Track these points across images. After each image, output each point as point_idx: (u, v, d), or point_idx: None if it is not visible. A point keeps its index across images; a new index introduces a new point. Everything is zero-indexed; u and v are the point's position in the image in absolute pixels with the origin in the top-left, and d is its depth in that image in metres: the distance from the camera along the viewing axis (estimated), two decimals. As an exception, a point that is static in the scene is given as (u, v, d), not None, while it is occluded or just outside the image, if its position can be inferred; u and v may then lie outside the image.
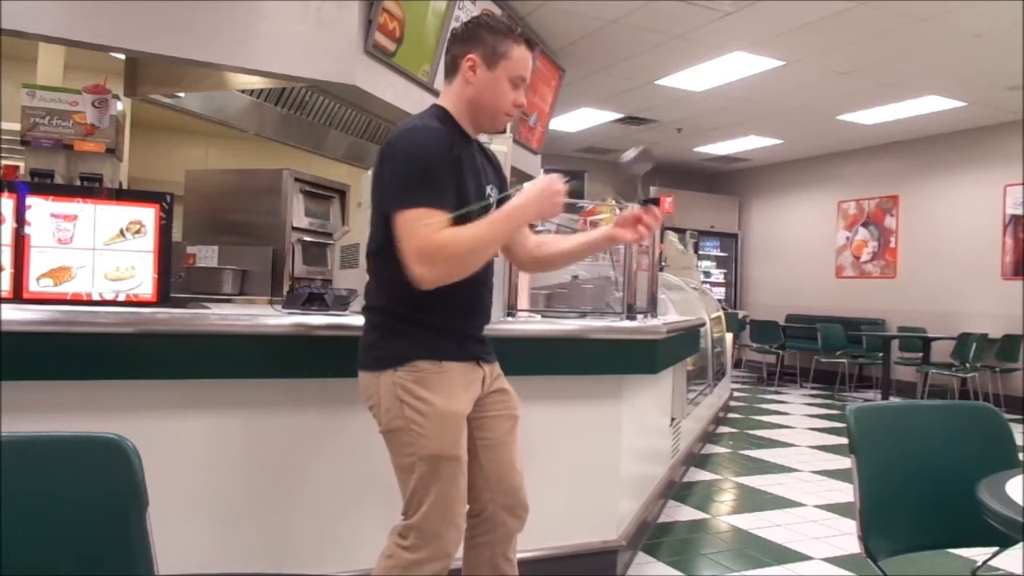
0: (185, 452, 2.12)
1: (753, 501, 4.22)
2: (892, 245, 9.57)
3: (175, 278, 3.51)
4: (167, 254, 2.30)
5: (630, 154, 1.76)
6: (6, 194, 2.10)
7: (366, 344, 1.80)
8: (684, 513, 3.91)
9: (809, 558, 3.28)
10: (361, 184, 2.82)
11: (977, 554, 2.03)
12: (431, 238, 1.61)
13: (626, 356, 2.76)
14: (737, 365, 10.48)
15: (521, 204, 1.73)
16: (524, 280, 2.79)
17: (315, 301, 2.37)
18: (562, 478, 2.66)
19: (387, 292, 1.77)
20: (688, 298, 5.23)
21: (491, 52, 1.78)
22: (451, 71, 1.84)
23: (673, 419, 4.02)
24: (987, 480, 1.48)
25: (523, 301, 2.78)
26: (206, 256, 4.17)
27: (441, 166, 1.69)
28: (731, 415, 7.23)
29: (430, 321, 1.74)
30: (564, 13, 5.61)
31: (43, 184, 2.91)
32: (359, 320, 2.26)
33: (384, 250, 1.72)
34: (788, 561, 3.23)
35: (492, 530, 1.87)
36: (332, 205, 5.00)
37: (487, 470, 1.84)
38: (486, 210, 1.78)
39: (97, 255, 2.20)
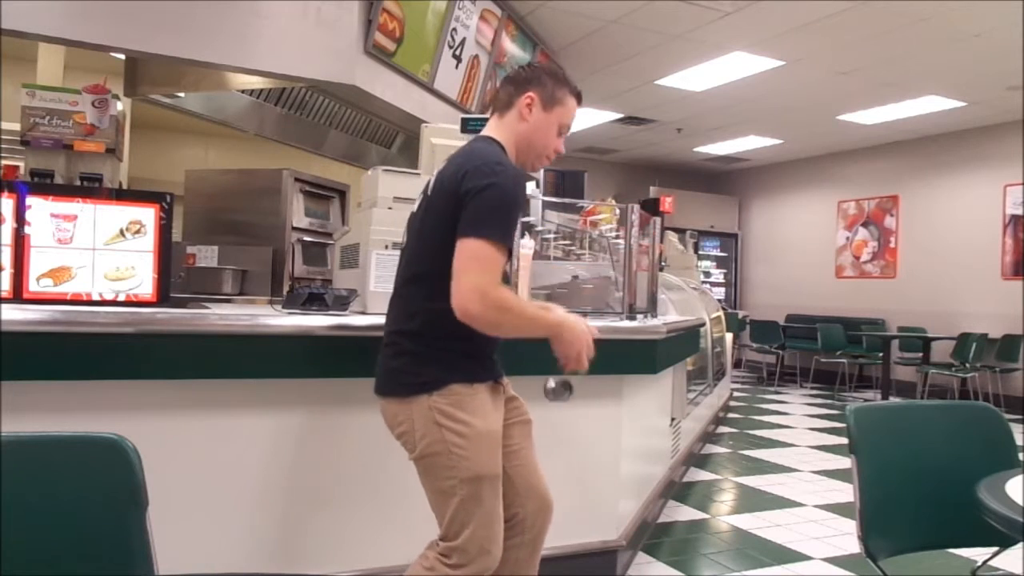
0: (185, 452, 2.12)
1: (753, 501, 4.22)
2: (892, 245, 9.57)
3: (175, 278, 3.51)
4: (167, 254, 2.30)
5: (551, 384, 1.88)
6: (6, 194, 2.11)
7: (393, 370, 1.80)
8: (684, 513, 3.91)
9: (809, 558, 3.28)
10: (361, 184, 2.82)
11: (977, 554, 2.03)
12: (503, 291, 1.69)
13: (626, 356, 2.76)
14: (737, 365, 10.48)
15: (565, 326, 1.78)
16: (524, 280, 2.78)
17: (315, 301, 2.37)
18: (562, 478, 2.65)
19: (421, 317, 1.77)
20: (688, 298, 5.23)
21: (550, 96, 1.89)
22: (505, 107, 1.90)
23: (673, 419, 4.02)
24: (987, 480, 1.48)
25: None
26: (206, 256, 4.17)
27: (520, 211, 1.78)
28: (731, 415, 7.23)
29: (462, 346, 1.76)
30: (564, 13, 5.61)
31: (43, 184, 2.91)
32: (359, 320, 2.27)
33: (429, 277, 1.75)
34: (788, 561, 3.23)
35: (522, 533, 1.89)
36: (332, 205, 5.00)
37: (513, 477, 1.86)
38: None
39: (97, 255, 2.20)
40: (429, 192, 1.84)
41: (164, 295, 2.29)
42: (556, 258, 3.61)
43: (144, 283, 2.25)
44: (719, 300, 8.88)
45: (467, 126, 2.61)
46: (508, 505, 1.84)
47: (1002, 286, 8.24)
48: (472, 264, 1.66)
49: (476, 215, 1.68)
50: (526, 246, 2.63)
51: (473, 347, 1.78)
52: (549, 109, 1.88)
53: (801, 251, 10.83)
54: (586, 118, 8.84)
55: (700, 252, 10.95)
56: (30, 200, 2.13)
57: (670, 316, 3.85)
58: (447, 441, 1.71)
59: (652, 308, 3.32)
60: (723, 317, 7.01)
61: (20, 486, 1.24)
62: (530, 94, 1.87)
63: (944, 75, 6.84)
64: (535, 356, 2.46)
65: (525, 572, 1.91)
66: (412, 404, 1.74)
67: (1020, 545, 1.46)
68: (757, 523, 3.78)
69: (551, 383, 1.85)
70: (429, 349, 1.76)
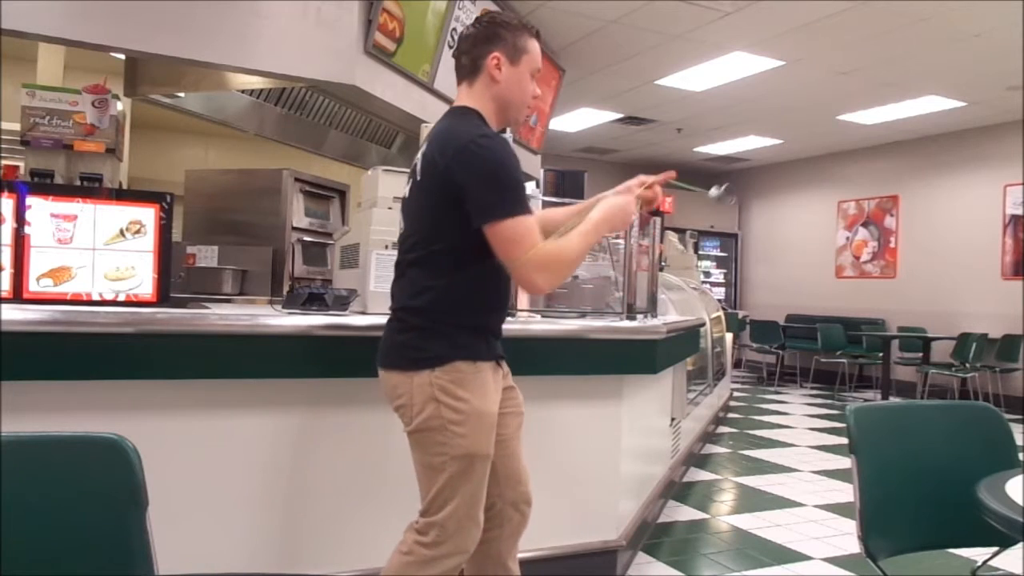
0: (185, 452, 2.12)
1: (753, 501, 4.22)
2: (892, 245, 9.57)
3: (175, 278, 3.50)
4: (167, 254, 2.30)
5: (715, 192, 1.92)
6: (6, 194, 2.11)
7: (398, 344, 1.80)
8: (684, 513, 3.91)
9: (809, 558, 3.28)
10: (361, 184, 2.82)
11: (977, 554, 2.03)
12: (547, 248, 1.71)
13: (626, 356, 2.76)
14: (737, 365, 10.47)
15: (605, 219, 1.83)
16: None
17: (315, 301, 2.37)
18: (562, 478, 2.66)
19: (429, 294, 1.77)
20: (688, 298, 5.23)
21: (513, 48, 1.85)
22: (471, 72, 1.86)
23: (673, 419, 4.02)
24: (987, 480, 1.48)
25: (523, 301, 2.78)
26: (206, 256, 4.17)
27: (519, 170, 1.76)
28: (731, 415, 7.23)
29: (468, 321, 1.77)
30: (564, 13, 5.61)
31: (43, 184, 2.91)
32: (359, 320, 2.27)
33: (431, 256, 1.76)
34: (788, 561, 3.23)
35: (499, 526, 1.89)
36: (332, 205, 5.00)
37: (497, 467, 1.85)
38: None
39: (97, 255, 2.20)
40: (418, 176, 1.83)
41: (164, 295, 2.29)
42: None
43: (144, 283, 2.25)
44: (719, 300, 8.88)
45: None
46: (487, 494, 1.83)
47: (1002, 286, 8.24)
48: (512, 248, 1.68)
49: (486, 198, 1.69)
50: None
51: (479, 324, 1.79)
52: (516, 62, 1.85)
53: (801, 251, 10.83)
54: (586, 118, 8.84)
55: (700, 252, 10.95)
56: (30, 200, 2.13)
57: (670, 316, 3.85)
58: (444, 417, 1.71)
59: (652, 308, 3.32)
60: (723, 317, 7.01)
61: (20, 486, 1.24)
62: (495, 54, 1.83)
63: (944, 75, 6.84)
64: (538, 356, 2.47)
65: (507, 569, 1.91)
66: (414, 378, 1.74)
67: (1020, 545, 1.46)
68: (757, 523, 3.78)
69: (714, 191, 1.91)
70: (435, 325, 1.76)
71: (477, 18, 1.92)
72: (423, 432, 1.74)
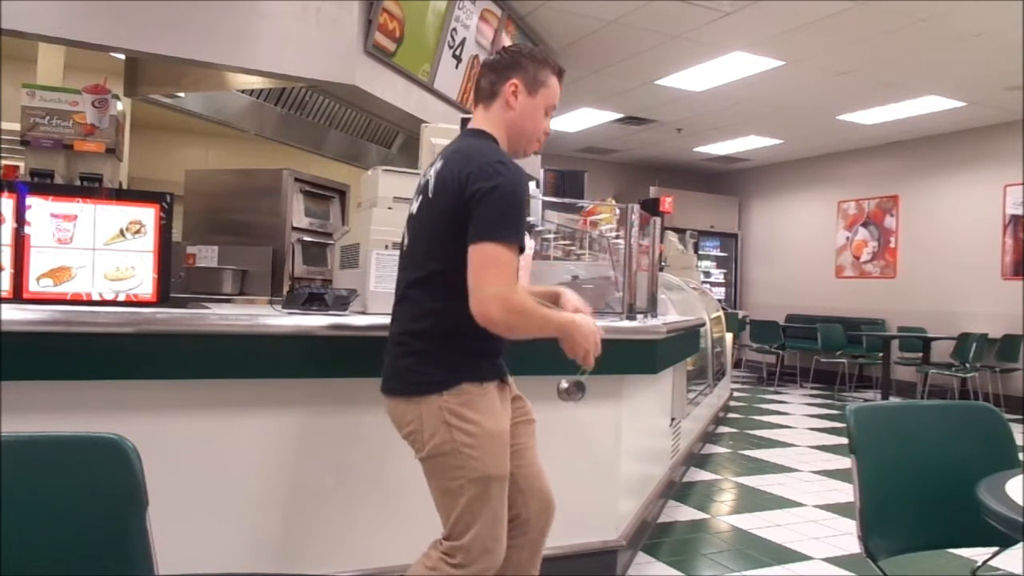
0: (185, 452, 2.12)
1: (753, 501, 4.22)
2: (892, 245, 9.57)
3: (175, 278, 3.50)
4: (167, 254, 2.30)
5: (564, 384, 1.88)
6: (6, 194, 2.11)
7: (402, 369, 1.79)
8: (684, 513, 3.91)
9: (809, 558, 3.28)
10: (361, 184, 2.82)
11: (977, 554, 2.03)
12: (523, 298, 1.69)
13: (626, 356, 2.76)
14: (737, 365, 10.47)
15: (574, 325, 1.79)
16: (524, 280, 2.78)
17: (315, 301, 2.37)
18: (562, 478, 2.65)
19: (431, 318, 1.76)
20: (688, 298, 5.23)
21: (532, 79, 1.85)
22: (489, 96, 1.87)
23: (673, 419, 4.02)
24: (987, 480, 1.48)
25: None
26: (206, 256, 4.17)
27: (527, 207, 1.77)
28: (731, 415, 7.23)
29: (472, 344, 1.75)
30: (564, 13, 5.61)
31: (43, 184, 2.91)
32: (359, 320, 2.27)
33: (436, 278, 1.75)
34: (788, 561, 3.23)
35: (524, 533, 1.89)
36: (332, 205, 5.00)
37: (517, 476, 1.85)
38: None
39: (97, 255, 2.20)
40: (430, 194, 1.81)
41: (164, 295, 2.29)
42: (556, 258, 3.61)
43: (144, 283, 2.25)
44: (719, 300, 8.88)
45: (467, 126, 2.61)
46: (511, 505, 1.84)
47: (1002, 286, 8.24)
48: (490, 271, 1.65)
49: (487, 218, 1.67)
50: (527, 246, 2.63)
51: (483, 346, 1.78)
52: (534, 93, 1.86)
53: (801, 251, 10.83)
54: (586, 118, 8.84)
55: (700, 252, 10.95)
56: (30, 200, 2.13)
57: (670, 316, 3.85)
58: (456, 441, 1.71)
59: (652, 308, 3.32)
60: (723, 317, 7.01)
61: (20, 486, 1.24)
62: (513, 81, 1.84)
63: (944, 75, 6.84)
64: (542, 356, 2.47)
65: (527, 572, 1.92)
66: (422, 404, 1.73)
67: (1020, 545, 1.46)
68: (757, 523, 3.78)
69: (564, 383, 1.86)
70: (439, 348, 1.76)
71: (505, 47, 1.94)
72: (437, 458, 1.73)
